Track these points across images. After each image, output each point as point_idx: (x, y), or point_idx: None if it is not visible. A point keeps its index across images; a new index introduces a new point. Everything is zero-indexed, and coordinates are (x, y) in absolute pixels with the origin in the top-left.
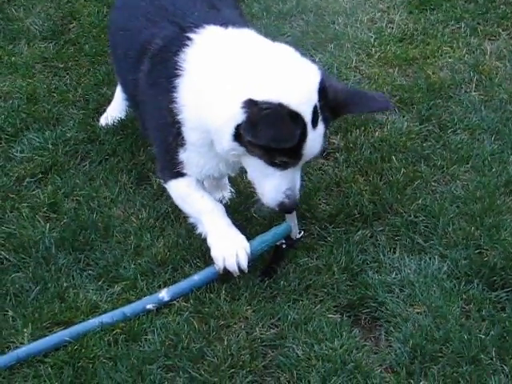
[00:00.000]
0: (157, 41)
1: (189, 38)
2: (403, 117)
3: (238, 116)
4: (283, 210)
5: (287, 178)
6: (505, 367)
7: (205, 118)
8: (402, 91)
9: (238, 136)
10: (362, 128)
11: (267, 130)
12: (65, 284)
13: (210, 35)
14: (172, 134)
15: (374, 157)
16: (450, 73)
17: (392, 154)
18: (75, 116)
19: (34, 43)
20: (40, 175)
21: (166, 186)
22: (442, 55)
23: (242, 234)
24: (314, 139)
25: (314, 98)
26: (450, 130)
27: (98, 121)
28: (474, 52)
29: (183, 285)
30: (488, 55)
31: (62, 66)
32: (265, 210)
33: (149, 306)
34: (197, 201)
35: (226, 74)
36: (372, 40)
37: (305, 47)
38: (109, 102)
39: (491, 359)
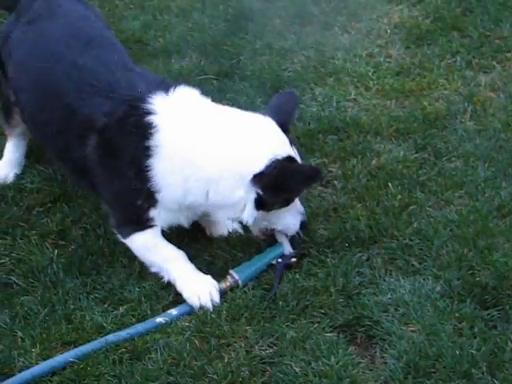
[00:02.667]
0: (100, 117)
1: (146, 117)
2: (399, 146)
3: (251, 192)
4: (302, 226)
5: (298, 202)
6: (495, 381)
7: (201, 199)
8: (399, 122)
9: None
10: (360, 156)
11: (293, 183)
12: (72, 306)
13: (167, 112)
14: (141, 197)
15: (370, 184)
16: (446, 104)
17: (388, 181)
18: None
19: None
20: (49, 204)
21: (125, 240)
22: (437, 87)
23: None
24: None
25: (285, 138)
26: (444, 158)
27: None
28: (468, 84)
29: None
30: (482, 87)
31: None
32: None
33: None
34: (162, 249)
35: (206, 159)
36: (370, 74)
37: (306, 81)
38: None
39: (482, 374)
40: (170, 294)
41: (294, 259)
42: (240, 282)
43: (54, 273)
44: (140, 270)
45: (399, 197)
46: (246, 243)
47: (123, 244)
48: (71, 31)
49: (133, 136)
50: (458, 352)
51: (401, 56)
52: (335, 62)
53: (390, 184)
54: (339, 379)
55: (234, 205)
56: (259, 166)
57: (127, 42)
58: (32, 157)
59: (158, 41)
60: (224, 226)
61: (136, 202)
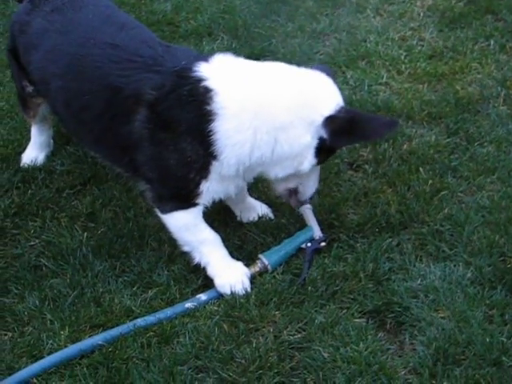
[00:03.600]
0: (148, 91)
1: (200, 83)
2: (431, 130)
3: (316, 137)
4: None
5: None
6: None
7: (268, 152)
8: (431, 106)
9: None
10: (391, 141)
11: (368, 130)
12: (101, 289)
13: (219, 76)
14: (195, 170)
15: (401, 168)
16: (479, 88)
17: (420, 165)
18: None
19: None
20: (79, 186)
21: (166, 215)
22: (470, 71)
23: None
24: None
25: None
26: (476, 143)
27: None
28: (502, 68)
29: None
30: None
31: None
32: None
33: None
34: (202, 231)
35: (275, 108)
36: (402, 57)
37: (337, 64)
38: None
39: None
40: (199, 278)
41: (323, 243)
42: (269, 266)
43: (84, 255)
44: (169, 253)
45: (430, 182)
46: (276, 228)
47: (153, 227)
48: (102, 18)
49: (190, 104)
50: (488, 339)
51: (434, 39)
52: (367, 45)
53: (421, 169)
54: (368, 365)
55: (296, 156)
56: (329, 109)
57: (158, 23)
58: (62, 139)
59: (189, 23)
60: (255, 210)
61: (188, 175)
